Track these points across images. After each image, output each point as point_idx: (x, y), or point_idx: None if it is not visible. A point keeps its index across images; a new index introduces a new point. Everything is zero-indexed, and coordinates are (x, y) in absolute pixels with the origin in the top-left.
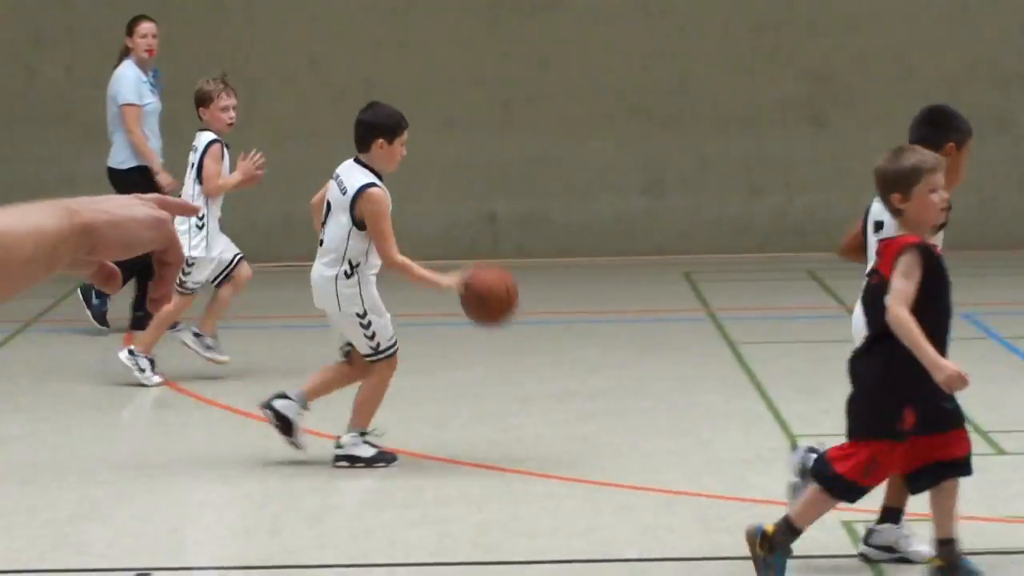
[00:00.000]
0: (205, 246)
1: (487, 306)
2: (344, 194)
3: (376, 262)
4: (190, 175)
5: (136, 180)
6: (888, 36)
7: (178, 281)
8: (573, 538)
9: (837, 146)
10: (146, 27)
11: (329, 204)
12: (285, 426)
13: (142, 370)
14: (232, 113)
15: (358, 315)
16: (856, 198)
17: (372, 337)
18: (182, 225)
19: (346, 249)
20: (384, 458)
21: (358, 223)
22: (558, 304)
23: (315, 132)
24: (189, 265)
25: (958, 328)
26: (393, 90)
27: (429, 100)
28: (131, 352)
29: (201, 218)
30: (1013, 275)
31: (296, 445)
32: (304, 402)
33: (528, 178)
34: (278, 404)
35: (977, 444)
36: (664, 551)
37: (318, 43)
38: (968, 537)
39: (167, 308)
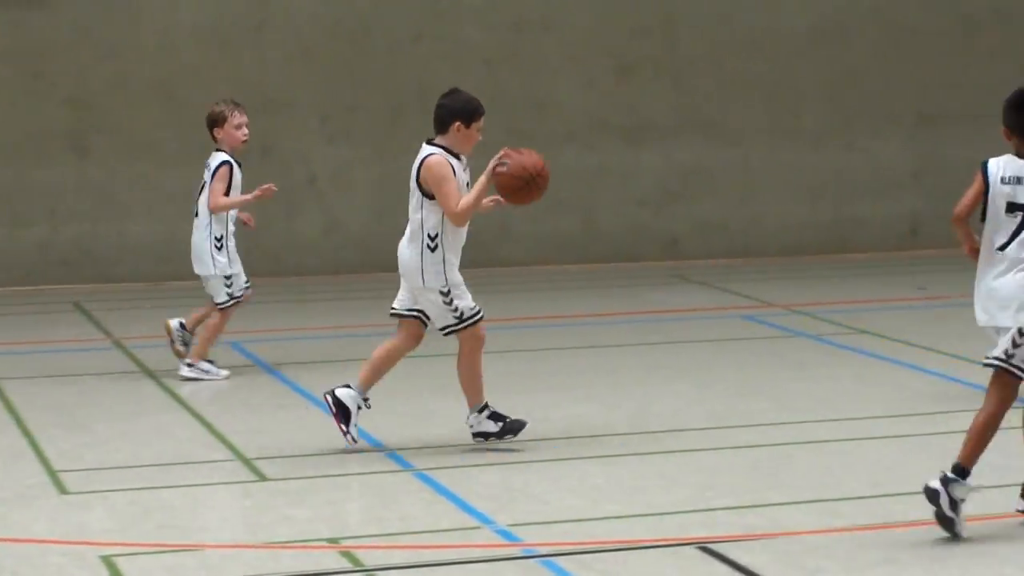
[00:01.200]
0: (228, 261)
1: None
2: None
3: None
4: (203, 193)
5: None
6: (148, 63)
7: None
8: None
9: (102, 175)
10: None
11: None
12: (344, 414)
13: (206, 372)
14: (245, 130)
15: (441, 292)
16: (122, 226)
17: (455, 309)
18: (204, 243)
19: (421, 220)
20: (513, 428)
21: (426, 193)
22: None
23: None
24: (228, 279)
25: None
26: None
27: None
28: (189, 365)
29: (219, 239)
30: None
31: (349, 436)
32: (362, 392)
33: None
34: (340, 392)
35: (241, 472)
36: None
37: None
38: (263, 562)
39: (211, 322)
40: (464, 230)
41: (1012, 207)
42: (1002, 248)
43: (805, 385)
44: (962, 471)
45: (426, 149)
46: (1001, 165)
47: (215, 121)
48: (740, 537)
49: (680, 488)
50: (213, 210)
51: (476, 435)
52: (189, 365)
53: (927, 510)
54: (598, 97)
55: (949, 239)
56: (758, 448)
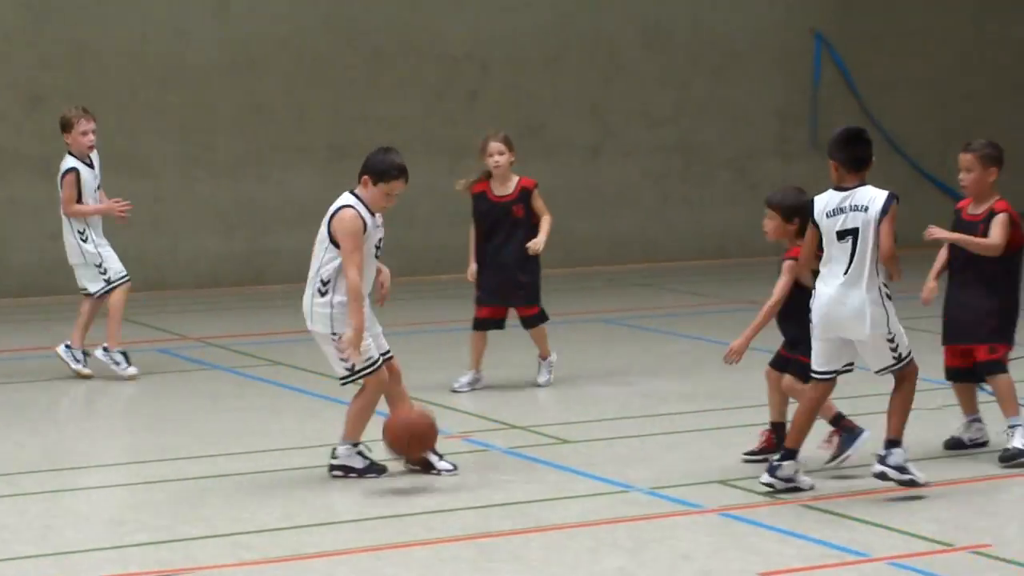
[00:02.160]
0: (97, 251)
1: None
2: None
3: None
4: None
5: None
6: None
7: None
8: None
9: None
10: None
11: None
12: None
13: (117, 364)
14: (92, 136)
15: (332, 336)
16: None
17: (347, 359)
18: (69, 237)
19: (320, 264)
20: (375, 469)
21: (334, 241)
22: None
23: None
24: (99, 266)
25: None
26: None
27: None
28: (105, 349)
29: (81, 232)
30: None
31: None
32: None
33: None
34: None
35: None
36: None
37: None
38: None
39: (110, 311)
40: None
41: (841, 235)
42: (844, 272)
43: (220, 418)
44: (894, 443)
45: (343, 199)
46: (825, 200)
47: (63, 127)
48: (154, 573)
49: (93, 525)
50: (68, 215)
51: (338, 467)
52: (105, 349)
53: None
54: (8, 129)
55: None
56: (173, 482)
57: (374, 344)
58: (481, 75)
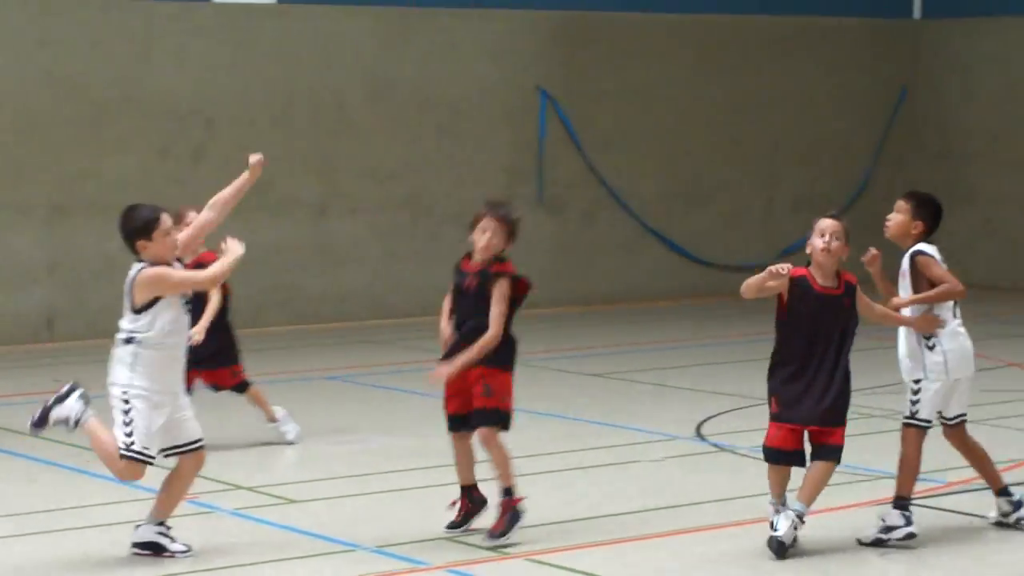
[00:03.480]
0: None
1: None
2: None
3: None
4: None
5: None
6: None
7: None
8: None
9: None
10: None
11: None
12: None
13: None
14: None
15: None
16: None
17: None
18: None
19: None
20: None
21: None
22: None
23: None
24: None
25: None
26: None
27: None
28: None
29: None
30: None
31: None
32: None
33: None
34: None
35: None
36: None
37: None
38: None
39: None
40: (170, 341)
41: None
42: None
43: None
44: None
45: (135, 267)
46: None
47: None
48: None
49: None
50: None
51: (142, 544)
52: None
53: None
54: None
55: (87, 330)
56: None
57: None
58: (207, 132)
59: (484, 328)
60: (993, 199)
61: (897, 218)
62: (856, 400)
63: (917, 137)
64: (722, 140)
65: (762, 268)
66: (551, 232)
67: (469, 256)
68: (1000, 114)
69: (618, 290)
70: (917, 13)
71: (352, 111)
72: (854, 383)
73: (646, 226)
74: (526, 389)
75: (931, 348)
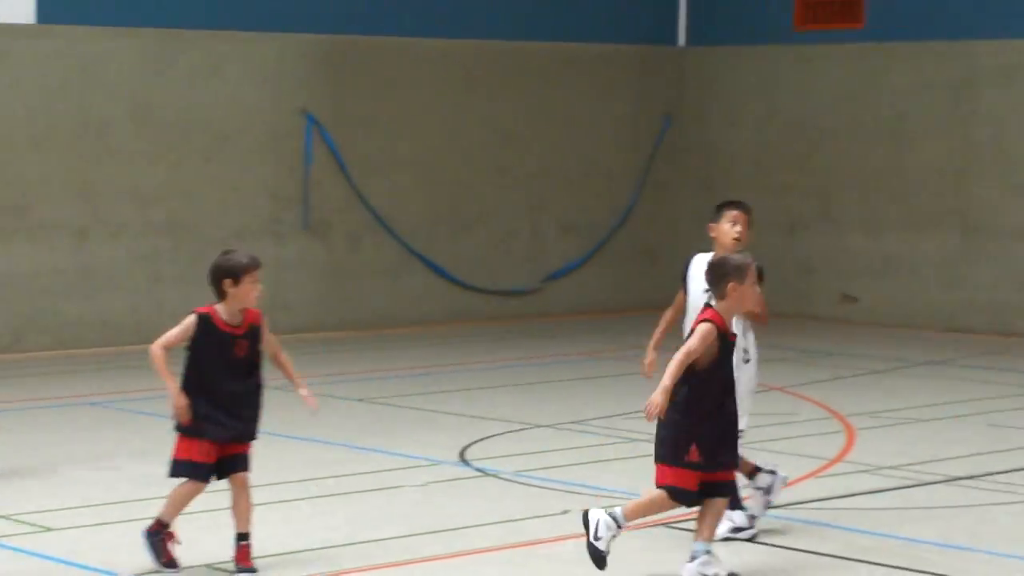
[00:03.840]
0: None
1: None
2: None
3: None
4: None
5: None
6: None
7: None
8: None
9: None
10: None
11: None
12: None
13: None
14: None
15: None
16: None
17: None
18: None
19: None
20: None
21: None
22: None
23: None
24: None
25: None
26: None
27: None
28: None
29: None
30: None
31: None
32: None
33: None
34: None
35: None
36: None
37: None
38: None
39: None
40: None
41: None
42: None
43: None
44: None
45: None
46: None
47: None
48: None
49: None
50: None
51: None
52: None
53: None
54: None
55: None
56: None
57: None
58: None
59: None
60: (756, 226)
61: None
62: None
63: (682, 163)
64: (489, 165)
65: (529, 294)
66: (317, 257)
67: None
68: (762, 141)
69: (384, 315)
70: (682, 41)
71: (115, 134)
72: None
73: (412, 250)
74: (291, 413)
75: None
